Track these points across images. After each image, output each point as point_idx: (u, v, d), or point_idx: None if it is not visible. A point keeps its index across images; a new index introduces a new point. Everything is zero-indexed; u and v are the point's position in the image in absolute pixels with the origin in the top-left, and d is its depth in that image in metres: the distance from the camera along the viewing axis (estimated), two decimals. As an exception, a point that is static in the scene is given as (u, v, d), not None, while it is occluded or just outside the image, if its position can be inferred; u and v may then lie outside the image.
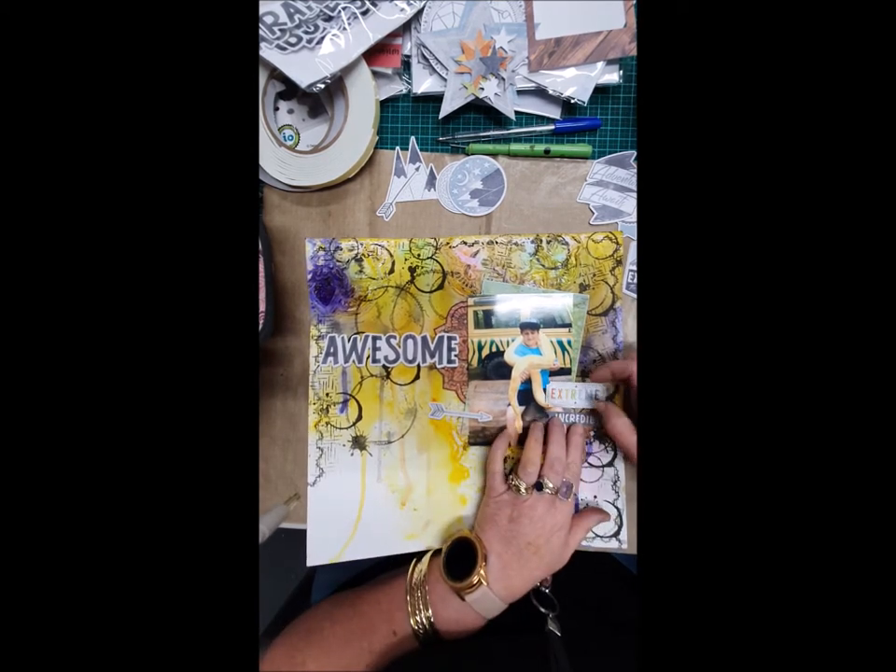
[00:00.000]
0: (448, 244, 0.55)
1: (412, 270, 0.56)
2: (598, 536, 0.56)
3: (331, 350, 0.56)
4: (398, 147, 0.54)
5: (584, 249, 0.55)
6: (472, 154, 0.54)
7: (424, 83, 0.52)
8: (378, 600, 0.49)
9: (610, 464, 0.56)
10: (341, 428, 0.56)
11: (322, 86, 0.48)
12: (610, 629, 0.49)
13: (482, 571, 0.47)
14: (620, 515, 0.56)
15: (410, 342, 0.56)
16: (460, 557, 0.49)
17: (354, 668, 0.46)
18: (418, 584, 0.49)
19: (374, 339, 0.56)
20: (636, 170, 0.54)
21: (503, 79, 0.50)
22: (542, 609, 0.50)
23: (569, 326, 0.56)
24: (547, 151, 0.53)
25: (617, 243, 0.55)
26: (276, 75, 0.51)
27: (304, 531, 0.55)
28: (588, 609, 0.52)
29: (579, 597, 0.53)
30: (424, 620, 0.47)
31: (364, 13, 0.47)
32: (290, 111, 0.54)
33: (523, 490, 0.49)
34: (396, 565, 0.54)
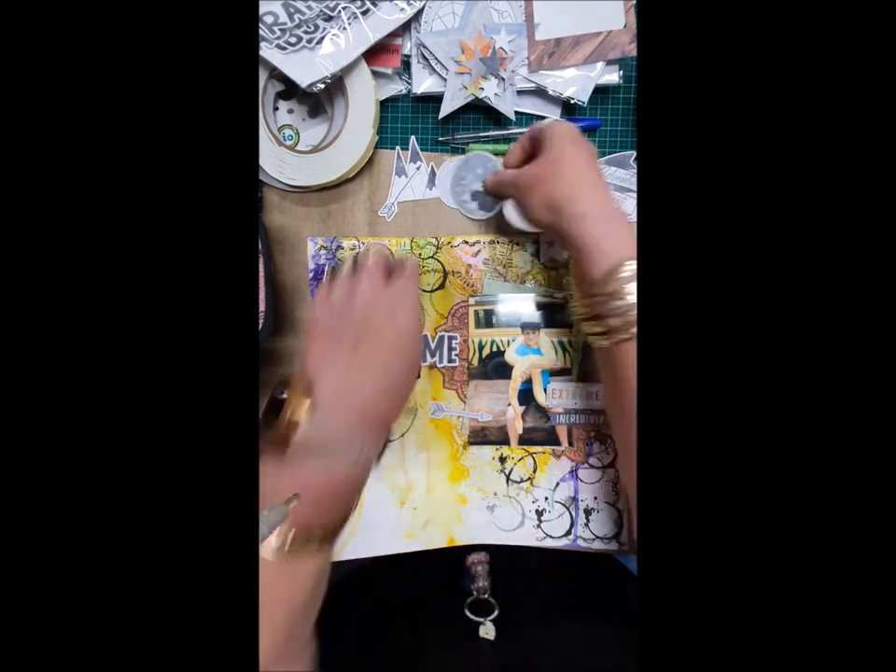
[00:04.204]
0: (449, 243, 0.55)
1: (412, 269, 0.56)
2: (598, 538, 0.56)
3: (332, 349, 0.56)
4: (398, 147, 0.54)
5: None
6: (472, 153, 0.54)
7: (424, 83, 0.52)
8: None
9: (611, 465, 0.56)
10: (341, 428, 0.56)
11: (322, 86, 0.48)
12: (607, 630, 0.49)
13: (300, 390, 0.34)
14: (620, 517, 0.56)
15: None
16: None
17: None
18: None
19: (375, 338, 0.56)
20: (635, 170, 0.54)
21: (503, 79, 0.51)
22: (474, 618, 0.48)
23: (570, 326, 0.56)
24: None
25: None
26: (276, 74, 0.51)
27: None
28: (541, 608, 0.51)
29: (577, 599, 0.53)
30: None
31: (364, 13, 0.47)
32: (290, 111, 0.54)
33: (344, 272, 0.40)
34: (395, 564, 0.54)
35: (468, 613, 0.49)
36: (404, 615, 0.51)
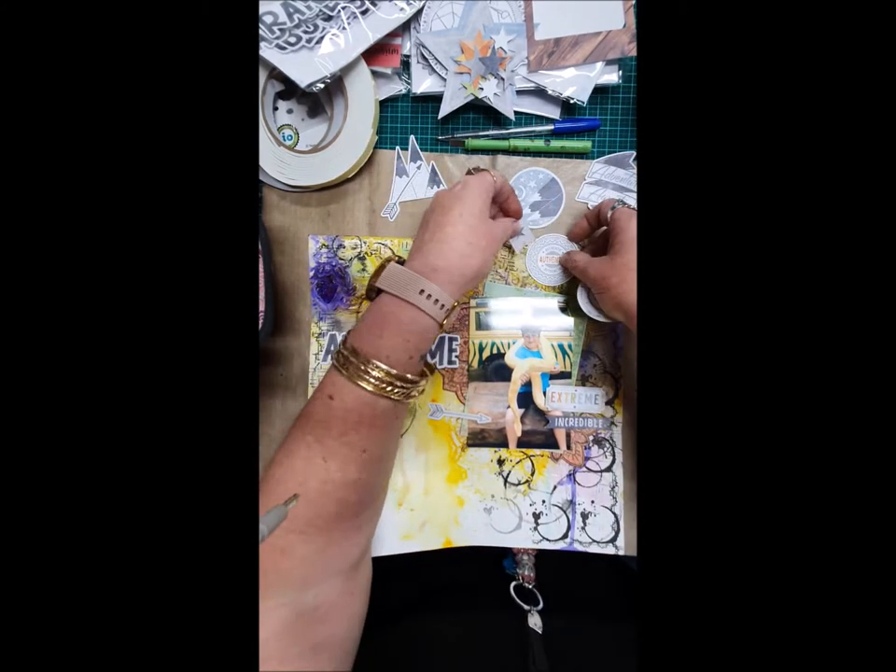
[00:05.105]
0: (448, 244, 0.55)
1: (412, 270, 0.55)
2: (595, 541, 0.56)
3: (332, 348, 0.56)
4: (398, 147, 0.54)
5: (585, 251, 0.55)
6: (471, 149, 0.54)
7: (423, 83, 0.52)
8: (312, 399, 0.42)
9: (609, 469, 0.56)
10: (339, 429, 0.56)
11: (321, 86, 0.48)
12: (604, 627, 0.49)
13: (385, 259, 0.43)
14: (617, 521, 0.56)
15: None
16: None
17: (317, 475, 0.39)
18: (340, 347, 0.41)
19: (374, 339, 0.56)
20: (634, 170, 0.54)
21: (502, 79, 0.50)
22: (525, 606, 0.49)
23: (570, 329, 0.56)
24: (547, 142, 0.53)
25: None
26: (276, 74, 0.51)
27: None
28: (581, 607, 0.52)
29: (572, 594, 0.53)
30: (360, 364, 0.38)
31: (364, 13, 0.47)
32: (290, 111, 0.54)
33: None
34: (392, 565, 0.54)
35: (514, 596, 0.51)
36: (451, 595, 0.53)
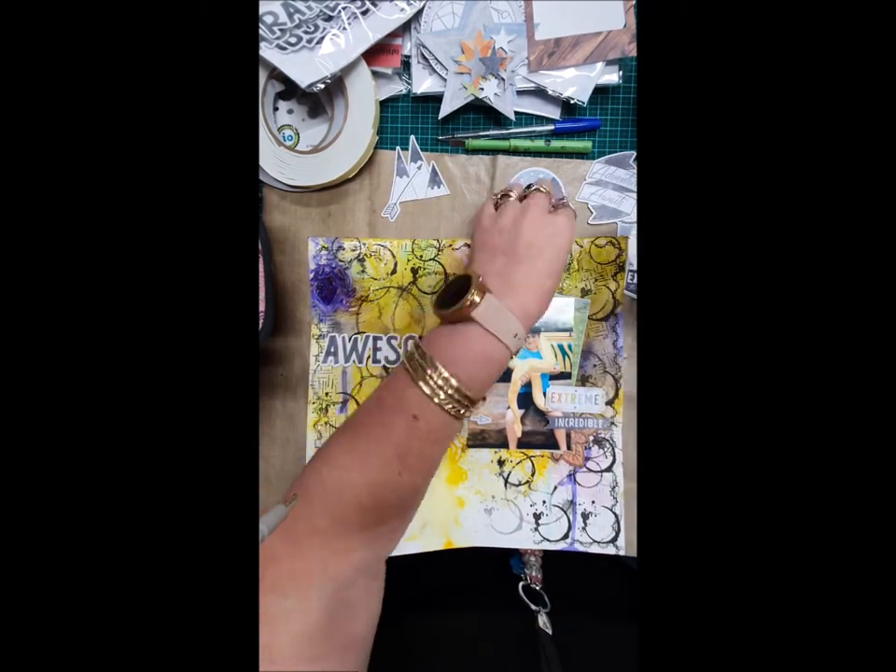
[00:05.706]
0: (451, 245, 0.55)
1: (414, 271, 0.56)
2: (596, 541, 0.56)
3: (332, 349, 0.56)
4: (398, 148, 0.54)
5: (587, 254, 0.55)
6: (471, 150, 0.54)
7: (424, 83, 0.52)
8: (380, 398, 0.43)
9: (609, 469, 0.56)
10: (339, 429, 0.56)
11: (322, 86, 0.48)
12: (607, 628, 0.49)
13: (478, 284, 0.41)
14: (618, 521, 0.56)
15: (411, 343, 0.56)
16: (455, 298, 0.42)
17: (387, 482, 0.40)
18: (414, 352, 0.42)
19: (375, 339, 0.56)
20: (635, 170, 0.54)
21: (503, 80, 0.50)
22: (533, 606, 0.49)
23: (570, 330, 0.56)
24: (547, 142, 0.53)
25: (619, 248, 0.55)
26: (276, 74, 0.51)
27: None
28: (584, 608, 0.52)
29: (575, 595, 0.54)
30: (437, 378, 0.40)
31: (364, 13, 0.47)
32: (290, 111, 0.54)
33: (514, 196, 0.46)
34: (393, 565, 0.54)
35: (523, 597, 0.51)
36: (454, 596, 0.54)
